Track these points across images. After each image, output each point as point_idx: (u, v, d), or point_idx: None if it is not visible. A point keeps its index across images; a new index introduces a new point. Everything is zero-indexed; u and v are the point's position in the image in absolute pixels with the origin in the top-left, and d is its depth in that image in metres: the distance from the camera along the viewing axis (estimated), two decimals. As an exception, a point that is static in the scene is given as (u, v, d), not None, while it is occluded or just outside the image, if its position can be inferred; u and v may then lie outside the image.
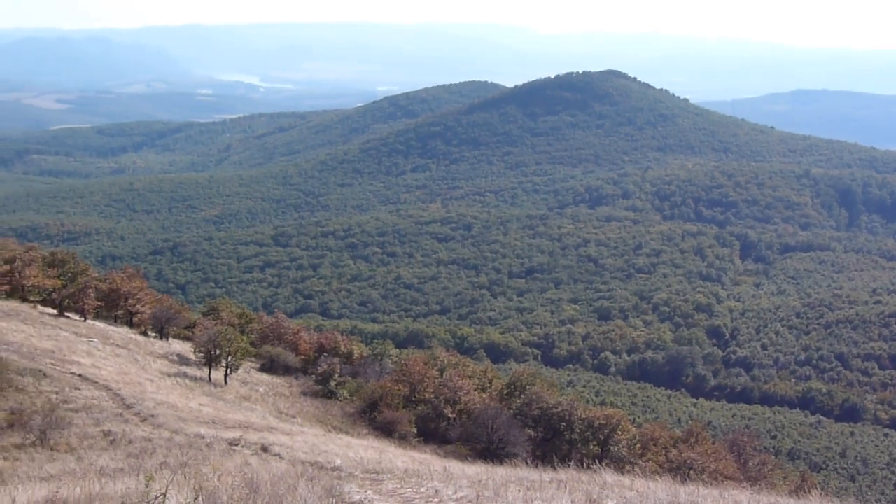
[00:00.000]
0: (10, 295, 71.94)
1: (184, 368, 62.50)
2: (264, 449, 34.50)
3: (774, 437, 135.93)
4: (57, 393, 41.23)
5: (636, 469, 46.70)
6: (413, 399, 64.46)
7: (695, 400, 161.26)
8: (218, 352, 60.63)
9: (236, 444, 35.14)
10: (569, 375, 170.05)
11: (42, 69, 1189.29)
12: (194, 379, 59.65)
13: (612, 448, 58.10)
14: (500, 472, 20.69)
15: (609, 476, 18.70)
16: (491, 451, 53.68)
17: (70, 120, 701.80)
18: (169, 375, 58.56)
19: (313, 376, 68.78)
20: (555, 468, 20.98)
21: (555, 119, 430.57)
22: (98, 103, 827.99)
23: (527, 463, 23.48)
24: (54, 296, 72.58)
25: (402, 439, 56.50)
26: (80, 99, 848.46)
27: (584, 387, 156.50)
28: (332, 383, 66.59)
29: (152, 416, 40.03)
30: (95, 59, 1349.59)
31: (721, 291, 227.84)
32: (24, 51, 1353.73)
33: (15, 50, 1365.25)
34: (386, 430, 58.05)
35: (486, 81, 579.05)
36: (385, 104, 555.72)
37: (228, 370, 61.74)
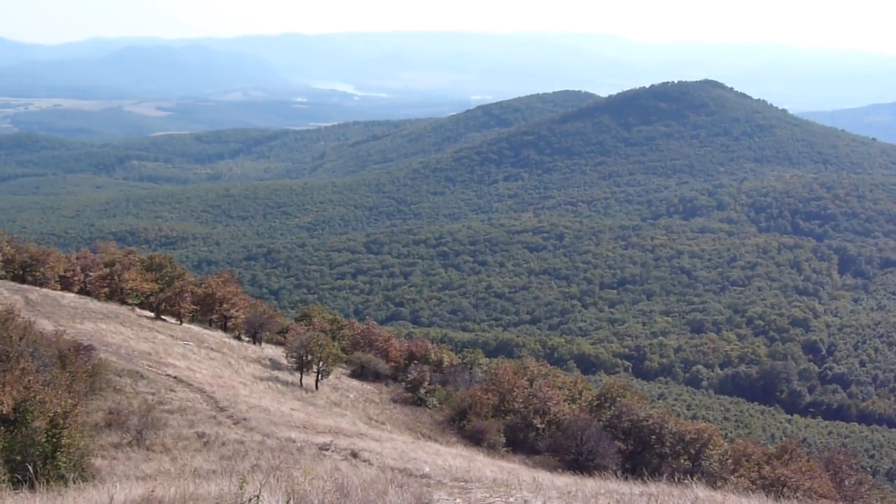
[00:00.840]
0: (109, 297, 73.83)
1: (276, 373, 63.32)
2: (354, 454, 34.81)
3: (872, 457, 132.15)
4: (153, 394, 42.14)
5: (728, 485, 46.04)
6: (502, 408, 64.40)
7: (789, 416, 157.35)
8: (309, 357, 61.29)
9: (326, 449, 35.52)
10: (660, 388, 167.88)
11: (143, 77, 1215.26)
12: (286, 383, 60.40)
13: (703, 463, 57.32)
14: (590, 483, 20.50)
15: (701, 491, 18.40)
16: (580, 462, 53.29)
17: (169, 127, 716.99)
18: (261, 379, 59.39)
19: (403, 383, 69.15)
20: (645, 482, 20.73)
21: (649, 129, 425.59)
22: (196, 111, 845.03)
23: (616, 475, 23.26)
24: (152, 299, 74.17)
25: (491, 448, 56.43)
26: (179, 106, 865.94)
27: (676, 400, 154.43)
28: (422, 391, 66.87)
29: (245, 419, 40.64)
30: (195, 67, 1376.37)
31: (818, 306, 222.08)
32: (127, 59, 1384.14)
33: (118, 58, 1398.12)
34: (475, 439, 58.04)
35: (579, 91, 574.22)
36: (478, 113, 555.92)
37: (319, 376, 62.36)
